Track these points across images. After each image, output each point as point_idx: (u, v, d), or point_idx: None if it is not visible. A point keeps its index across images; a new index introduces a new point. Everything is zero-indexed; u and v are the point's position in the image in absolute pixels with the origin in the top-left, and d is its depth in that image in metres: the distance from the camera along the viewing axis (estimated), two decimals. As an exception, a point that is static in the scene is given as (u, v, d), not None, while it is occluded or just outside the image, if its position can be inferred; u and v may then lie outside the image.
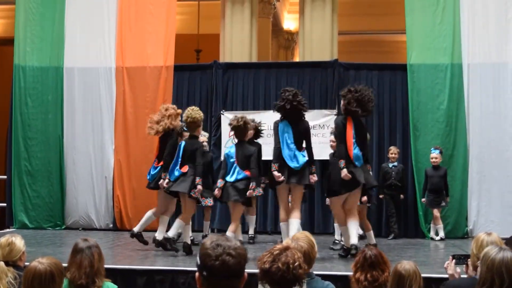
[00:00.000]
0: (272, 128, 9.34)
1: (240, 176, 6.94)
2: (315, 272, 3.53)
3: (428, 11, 9.51)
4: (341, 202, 6.89)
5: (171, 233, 7.04)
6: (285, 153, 6.65)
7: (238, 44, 11.44)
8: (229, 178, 6.98)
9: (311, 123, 7.64)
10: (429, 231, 9.15)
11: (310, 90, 9.78)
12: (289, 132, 6.72)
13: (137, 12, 10.09)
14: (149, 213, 7.59)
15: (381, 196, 9.29)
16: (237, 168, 6.96)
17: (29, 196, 9.91)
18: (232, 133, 8.03)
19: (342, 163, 6.60)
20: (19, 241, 4.14)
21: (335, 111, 9.48)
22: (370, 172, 6.97)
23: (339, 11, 11.67)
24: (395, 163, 9.26)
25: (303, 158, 6.69)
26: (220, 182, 7.03)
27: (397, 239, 8.97)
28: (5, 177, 10.35)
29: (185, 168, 7.09)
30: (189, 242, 7.12)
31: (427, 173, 9.08)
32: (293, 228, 6.50)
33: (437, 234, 8.94)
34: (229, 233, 6.85)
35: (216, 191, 7.06)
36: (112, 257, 6.85)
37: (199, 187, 6.99)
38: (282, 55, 17.06)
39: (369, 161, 6.97)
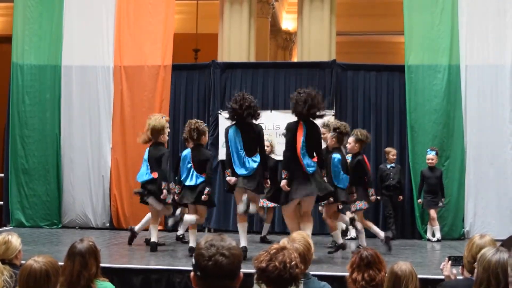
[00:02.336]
0: (270, 128, 9.45)
1: (199, 180, 6.97)
2: (311, 273, 3.53)
3: (426, 12, 9.52)
4: (292, 208, 6.60)
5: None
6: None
7: (236, 44, 11.42)
8: (188, 182, 6.99)
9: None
10: (425, 232, 9.15)
11: (308, 90, 9.77)
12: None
13: (135, 11, 10.08)
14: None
15: (378, 198, 9.28)
16: (195, 172, 6.99)
17: (26, 195, 9.90)
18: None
19: (284, 173, 6.42)
20: (15, 240, 4.14)
21: (332, 112, 9.48)
22: (325, 179, 6.66)
23: (337, 12, 11.67)
24: (393, 164, 9.26)
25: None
26: (178, 188, 7.18)
27: (394, 240, 8.96)
28: (2, 175, 10.34)
29: (155, 174, 7.45)
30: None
31: (423, 174, 9.09)
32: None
33: (433, 235, 8.94)
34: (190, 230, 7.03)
35: (176, 196, 7.22)
36: (108, 256, 6.83)
37: (165, 191, 7.30)
38: (280, 55, 17.05)
39: (323, 167, 6.65)
